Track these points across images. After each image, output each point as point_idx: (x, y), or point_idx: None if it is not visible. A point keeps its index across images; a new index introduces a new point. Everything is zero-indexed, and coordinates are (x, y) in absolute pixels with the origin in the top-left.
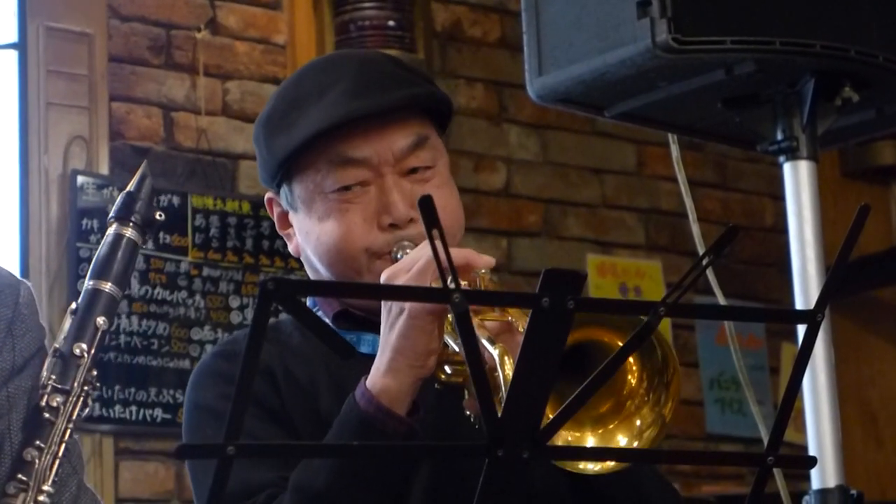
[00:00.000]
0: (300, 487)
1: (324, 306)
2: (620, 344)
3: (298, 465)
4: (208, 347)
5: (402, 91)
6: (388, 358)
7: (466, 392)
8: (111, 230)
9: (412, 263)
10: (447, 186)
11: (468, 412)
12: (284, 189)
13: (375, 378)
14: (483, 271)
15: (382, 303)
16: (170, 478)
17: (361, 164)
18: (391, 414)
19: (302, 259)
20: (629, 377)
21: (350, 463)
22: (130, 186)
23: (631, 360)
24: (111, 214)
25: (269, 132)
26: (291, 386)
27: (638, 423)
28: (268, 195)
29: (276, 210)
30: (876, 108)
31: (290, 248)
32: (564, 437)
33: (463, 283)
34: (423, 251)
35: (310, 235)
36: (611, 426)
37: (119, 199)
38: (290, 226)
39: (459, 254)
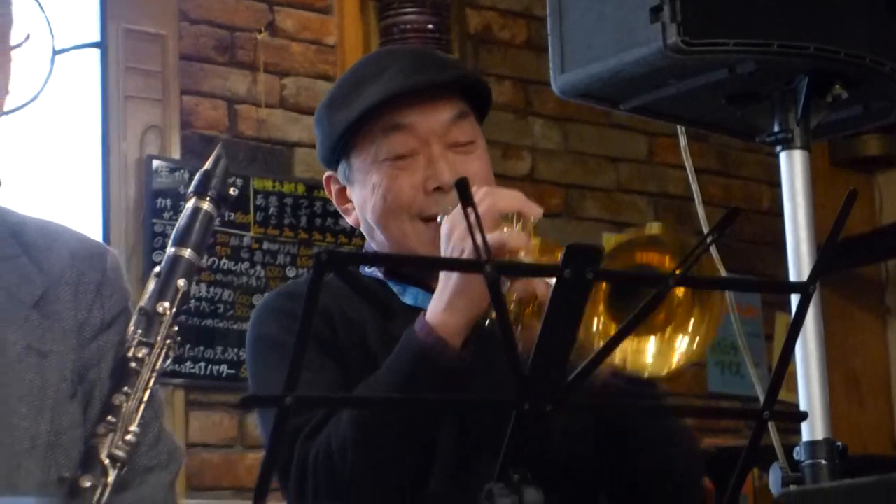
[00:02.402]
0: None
1: None
2: (668, 263)
3: (357, 389)
4: (283, 285)
5: (450, 72)
6: (448, 297)
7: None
8: (190, 203)
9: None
10: (485, 160)
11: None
12: (343, 164)
13: (435, 314)
14: (532, 220)
15: (443, 246)
16: (233, 426)
17: (409, 129)
18: (447, 345)
19: (362, 229)
20: (677, 292)
21: (402, 389)
22: (207, 165)
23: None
24: (190, 189)
25: (331, 111)
26: (345, 325)
27: (692, 321)
28: (326, 174)
29: (334, 187)
30: (863, 104)
31: (350, 221)
32: (624, 349)
33: (517, 227)
34: (479, 202)
35: (366, 203)
36: (668, 331)
37: (197, 176)
38: (348, 201)
39: (515, 201)
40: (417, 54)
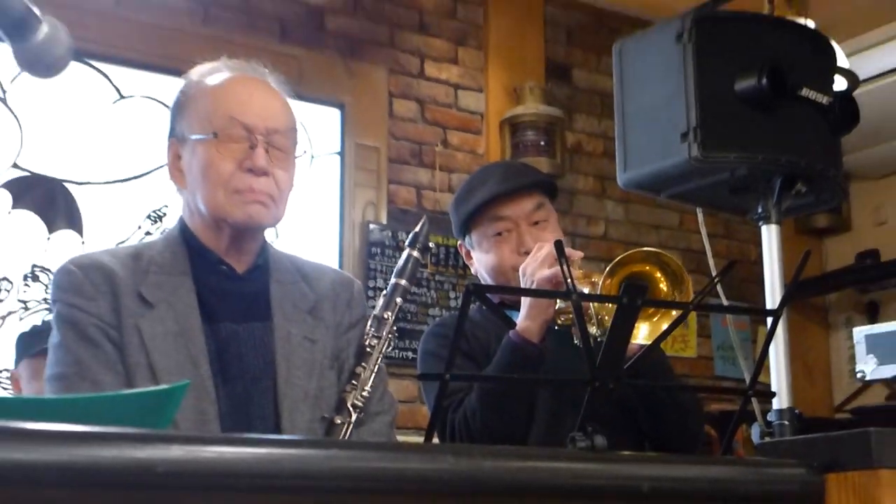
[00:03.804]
0: (483, 389)
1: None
2: (652, 272)
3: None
4: (437, 319)
5: (529, 178)
6: (526, 310)
7: (573, 331)
8: (406, 252)
9: (539, 256)
10: (557, 231)
11: (576, 340)
12: (468, 238)
13: (520, 322)
14: (576, 259)
15: (521, 278)
16: (415, 390)
17: (506, 218)
18: (529, 342)
19: (479, 277)
20: (661, 286)
21: (505, 373)
22: (417, 228)
23: (659, 275)
24: (406, 242)
25: (457, 206)
26: (476, 341)
27: (674, 313)
28: (459, 244)
29: (463, 251)
30: (815, 195)
31: (473, 272)
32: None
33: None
34: (541, 251)
35: (481, 263)
36: (655, 318)
37: (410, 235)
38: (472, 259)
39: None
40: (509, 167)
